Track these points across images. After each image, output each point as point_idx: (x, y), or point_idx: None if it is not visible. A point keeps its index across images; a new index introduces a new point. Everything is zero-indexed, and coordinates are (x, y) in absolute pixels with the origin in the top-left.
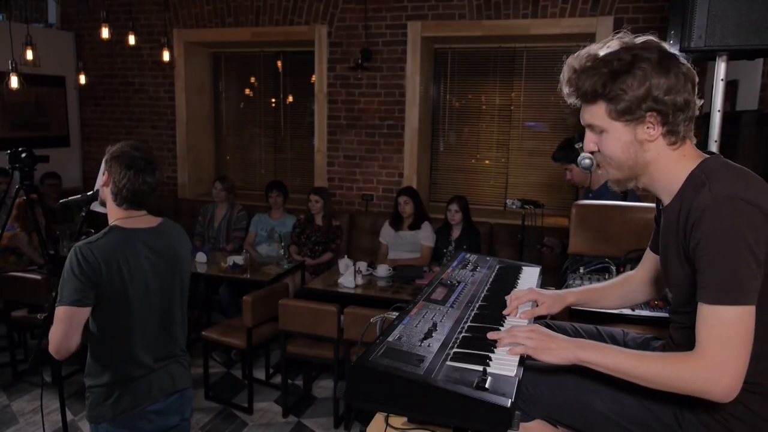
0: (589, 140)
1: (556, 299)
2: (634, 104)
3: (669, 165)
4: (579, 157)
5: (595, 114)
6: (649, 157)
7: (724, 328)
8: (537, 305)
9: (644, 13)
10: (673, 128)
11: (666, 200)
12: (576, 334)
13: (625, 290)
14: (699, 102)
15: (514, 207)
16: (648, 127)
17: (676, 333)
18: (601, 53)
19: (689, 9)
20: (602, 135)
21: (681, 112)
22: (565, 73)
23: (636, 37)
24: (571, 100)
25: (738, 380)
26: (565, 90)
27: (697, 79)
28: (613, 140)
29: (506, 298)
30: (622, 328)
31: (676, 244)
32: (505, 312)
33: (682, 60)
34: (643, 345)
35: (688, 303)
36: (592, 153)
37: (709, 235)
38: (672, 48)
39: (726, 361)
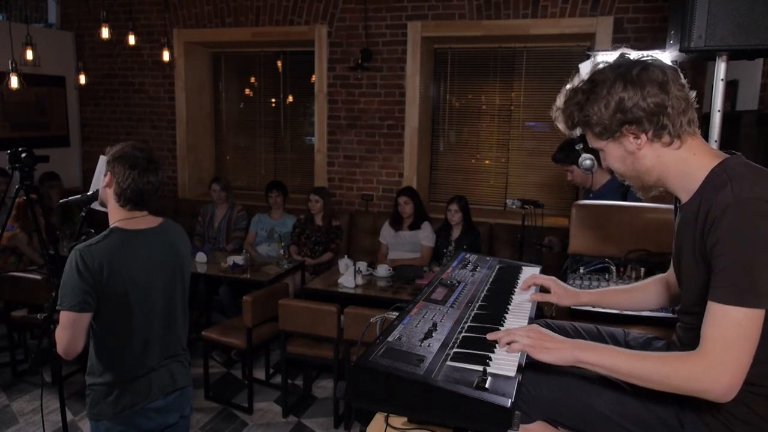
0: (602, 159)
1: (569, 294)
2: (606, 124)
3: (678, 164)
4: (580, 159)
5: (589, 138)
6: (648, 162)
7: (731, 329)
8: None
9: (644, 13)
10: (658, 131)
11: (684, 198)
12: (576, 333)
13: (649, 294)
14: (690, 95)
15: (514, 207)
16: (632, 138)
17: (683, 333)
18: (574, 85)
19: (689, 9)
20: (603, 154)
21: (657, 115)
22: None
23: (609, 52)
24: (569, 132)
25: (738, 381)
26: (560, 127)
27: (667, 78)
28: (611, 156)
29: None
30: (622, 328)
31: (692, 242)
32: (517, 288)
33: (648, 64)
34: (645, 345)
35: (699, 303)
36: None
37: (728, 235)
38: (640, 55)
39: (728, 360)
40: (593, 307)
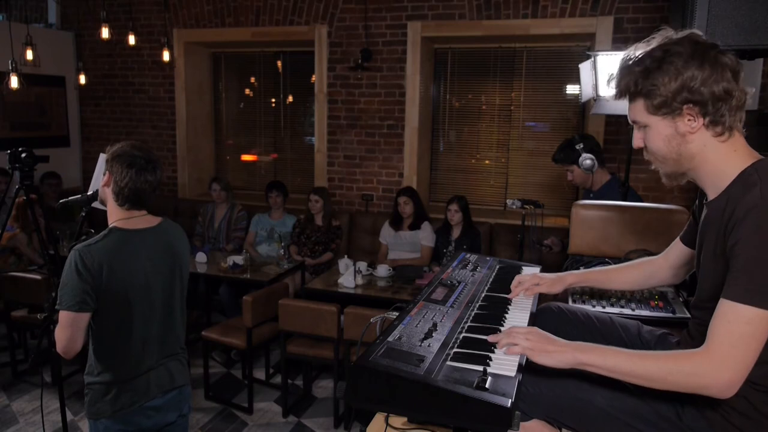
0: (637, 137)
1: (556, 280)
2: (669, 98)
3: (717, 158)
4: (580, 159)
5: (637, 110)
6: (693, 149)
7: (740, 326)
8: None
9: (644, 13)
10: (716, 118)
11: (711, 195)
12: (588, 320)
13: (640, 272)
14: (750, 90)
15: (514, 207)
16: (688, 119)
17: (693, 328)
18: (638, 53)
19: (689, 9)
20: (646, 130)
21: (721, 102)
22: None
23: (678, 32)
24: (618, 99)
25: (739, 379)
26: (612, 91)
27: (740, 69)
28: (656, 134)
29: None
30: (637, 321)
31: (714, 239)
32: (509, 296)
33: (722, 50)
34: (660, 339)
35: (712, 299)
36: (640, 149)
37: (750, 235)
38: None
39: (732, 356)
40: (580, 286)
